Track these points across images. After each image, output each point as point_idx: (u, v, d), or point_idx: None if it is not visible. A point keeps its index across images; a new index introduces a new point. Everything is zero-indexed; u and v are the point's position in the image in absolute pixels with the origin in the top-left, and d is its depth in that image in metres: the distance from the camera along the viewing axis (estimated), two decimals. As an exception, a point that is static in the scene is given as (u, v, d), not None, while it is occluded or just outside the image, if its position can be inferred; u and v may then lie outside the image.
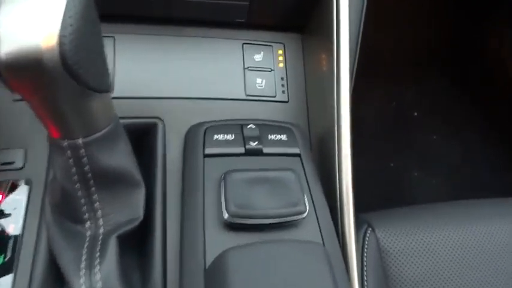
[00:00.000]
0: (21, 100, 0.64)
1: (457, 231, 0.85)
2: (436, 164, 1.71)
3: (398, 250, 0.84)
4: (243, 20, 0.72)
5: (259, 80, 0.72)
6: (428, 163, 1.71)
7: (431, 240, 0.84)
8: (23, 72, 0.37)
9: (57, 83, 0.39)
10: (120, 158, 0.54)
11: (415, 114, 1.82)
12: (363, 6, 0.67)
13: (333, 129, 0.66)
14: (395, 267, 0.84)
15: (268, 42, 0.75)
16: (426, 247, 0.84)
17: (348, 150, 0.65)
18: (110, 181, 0.54)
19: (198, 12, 0.69)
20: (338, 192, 0.64)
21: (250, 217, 0.53)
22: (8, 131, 0.63)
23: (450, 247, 0.83)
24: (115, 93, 0.65)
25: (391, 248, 0.83)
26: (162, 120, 0.66)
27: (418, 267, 0.83)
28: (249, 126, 0.65)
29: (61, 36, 0.36)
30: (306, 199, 0.56)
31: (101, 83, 0.46)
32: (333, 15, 0.65)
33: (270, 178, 0.57)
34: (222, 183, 0.56)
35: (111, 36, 0.69)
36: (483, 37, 1.82)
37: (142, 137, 0.66)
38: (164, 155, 0.64)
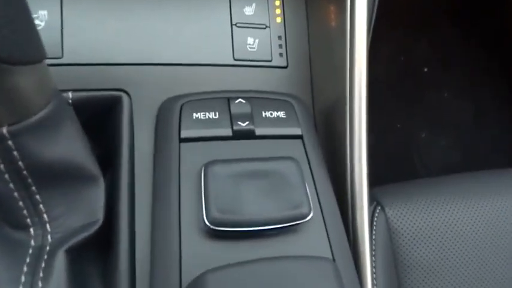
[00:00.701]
0: None
1: (476, 207, 0.75)
2: (446, 124, 1.60)
3: (410, 230, 0.74)
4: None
5: (250, 40, 0.58)
6: (438, 123, 1.59)
7: (447, 219, 0.73)
8: None
9: None
10: (67, 147, 0.42)
11: (425, 70, 1.67)
12: None
13: (344, 101, 0.52)
14: (406, 249, 0.74)
15: (262, -10, 0.59)
16: (442, 227, 0.73)
17: (362, 126, 0.52)
18: (56, 177, 0.42)
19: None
20: (349, 181, 0.52)
21: (237, 225, 0.41)
22: None
23: (469, 226, 0.73)
24: (64, 59, 0.51)
25: (402, 229, 0.73)
26: (128, 94, 0.52)
27: (431, 249, 0.73)
28: (237, 101, 0.51)
29: None
30: (310, 198, 0.43)
31: (25, 52, 0.33)
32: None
33: (263, 171, 0.44)
34: (202, 178, 0.44)
35: (58, -16, 0.53)
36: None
37: (102, 116, 0.53)
38: (131, 138, 0.51)
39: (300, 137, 0.51)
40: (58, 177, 0.42)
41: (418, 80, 1.65)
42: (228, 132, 0.49)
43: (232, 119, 0.49)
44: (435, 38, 1.63)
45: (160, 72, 0.54)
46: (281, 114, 0.51)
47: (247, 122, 0.49)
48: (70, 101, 0.50)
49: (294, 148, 0.50)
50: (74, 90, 0.51)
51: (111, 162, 0.50)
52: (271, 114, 0.51)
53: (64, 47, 0.52)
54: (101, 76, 0.52)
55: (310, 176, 0.48)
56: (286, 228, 0.43)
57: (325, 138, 0.57)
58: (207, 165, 0.44)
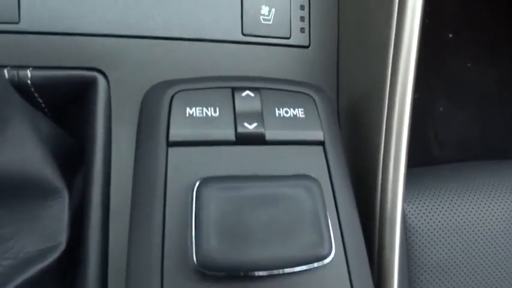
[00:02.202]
0: None
1: (509, 203, 0.66)
2: (465, 96, 1.48)
3: (428, 229, 0.65)
4: None
5: (265, 9, 0.45)
6: (457, 95, 1.47)
7: (473, 217, 0.64)
8: None
9: None
10: (14, 154, 0.32)
11: (450, 35, 1.52)
12: None
13: (382, 92, 0.41)
14: (422, 249, 0.65)
15: None
16: (466, 225, 0.64)
17: (404, 127, 0.41)
18: (1, 191, 0.32)
19: None
20: (378, 200, 0.42)
21: (236, 268, 0.31)
22: None
23: (499, 225, 0.64)
24: (22, 25, 0.39)
25: (419, 227, 0.64)
26: (104, 74, 0.41)
27: (450, 250, 0.65)
28: (244, 94, 0.39)
29: None
30: (332, 234, 0.33)
31: None
32: None
33: (274, 195, 0.34)
34: (194, 201, 0.33)
35: None
36: None
37: (72, 99, 0.42)
38: (107, 133, 0.40)
39: (321, 143, 0.40)
40: (4, 192, 0.32)
41: (442, 47, 1.50)
42: (230, 135, 0.38)
43: (237, 118, 0.38)
44: (461, 3, 1.47)
45: (146, 47, 0.42)
46: (299, 112, 0.40)
47: (255, 124, 0.38)
48: (29, 81, 0.39)
49: (313, 158, 0.39)
50: (34, 68, 0.39)
51: (80, 167, 0.39)
52: (286, 112, 0.40)
53: (21, 9, 0.40)
54: (70, 50, 0.40)
55: (332, 198, 0.38)
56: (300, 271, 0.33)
57: (351, 140, 0.46)
58: (201, 185, 0.34)
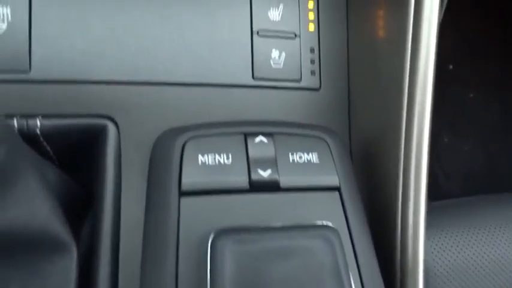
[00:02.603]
0: None
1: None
2: (470, 127, 1.48)
3: (444, 268, 0.62)
4: None
5: (275, 53, 0.45)
6: (462, 126, 1.47)
7: (491, 255, 0.62)
8: None
9: None
10: (23, 208, 0.31)
11: (451, 67, 1.53)
12: None
13: (397, 134, 0.40)
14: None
15: (291, -13, 0.46)
16: (482, 265, 0.62)
17: (423, 169, 0.40)
18: (7, 246, 0.30)
19: None
20: (399, 250, 0.40)
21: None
22: None
23: None
24: (32, 74, 0.39)
25: (434, 266, 0.62)
26: (115, 122, 0.40)
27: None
28: (257, 140, 0.39)
29: None
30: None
31: None
32: None
33: (291, 247, 0.32)
34: (209, 254, 0.32)
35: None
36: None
37: (82, 148, 0.41)
38: (117, 182, 0.39)
39: (337, 188, 0.39)
40: (10, 246, 0.31)
41: (443, 78, 1.51)
42: (244, 183, 0.37)
43: (250, 165, 0.37)
44: (463, 32, 1.49)
45: (157, 93, 0.42)
46: (313, 157, 0.39)
47: (269, 171, 0.37)
48: (38, 130, 0.38)
49: (329, 204, 0.38)
50: (43, 116, 0.39)
51: (90, 219, 0.38)
52: (300, 157, 0.39)
53: (32, 58, 0.39)
54: (80, 97, 0.40)
55: (351, 246, 0.36)
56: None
57: (365, 182, 0.45)
58: (216, 238, 0.32)
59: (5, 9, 0.39)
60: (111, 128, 0.40)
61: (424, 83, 0.38)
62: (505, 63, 1.45)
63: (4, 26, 0.39)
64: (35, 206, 0.31)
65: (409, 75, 0.39)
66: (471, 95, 1.52)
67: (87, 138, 0.41)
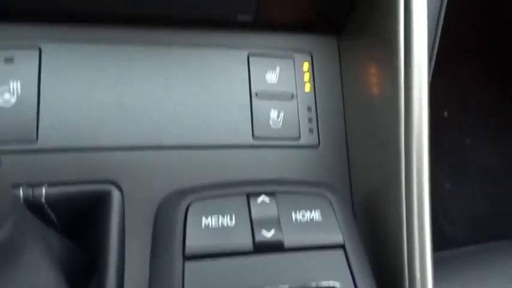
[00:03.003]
0: None
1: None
2: (470, 172, 1.48)
3: None
4: (249, 18, 0.46)
5: (274, 114, 0.47)
6: (462, 172, 1.47)
7: None
8: None
9: None
10: (29, 279, 0.31)
11: (446, 114, 1.56)
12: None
13: (397, 184, 0.40)
14: None
15: (287, 51, 0.49)
16: None
17: (426, 218, 0.40)
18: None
19: (174, 5, 0.43)
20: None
21: None
22: None
23: None
24: (39, 144, 0.40)
25: None
26: (119, 187, 0.41)
27: None
28: (260, 200, 0.39)
29: None
30: None
31: None
32: (397, 4, 0.39)
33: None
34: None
35: (35, 47, 0.42)
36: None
37: (86, 213, 0.41)
38: (121, 246, 0.39)
39: (341, 246, 0.39)
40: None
41: (439, 125, 1.54)
42: (248, 244, 0.37)
43: (254, 226, 0.37)
44: (455, 80, 1.54)
45: (160, 157, 0.43)
46: (316, 215, 0.39)
47: (272, 231, 0.37)
48: (43, 199, 0.39)
49: (335, 263, 0.38)
50: (49, 184, 0.39)
51: (95, 274, 0.38)
52: (303, 216, 0.39)
53: (39, 129, 0.41)
54: (85, 164, 0.41)
55: (359, 306, 0.36)
56: None
57: (369, 237, 0.44)
58: (221, 304, 0.32)
59: (15, 83, 0.41)
60: (115, 193, 0.41)
61: (419, 136, 0.40)
62: (499, 107, 1.47)
63: (13, 99, 0.41)
64: (41, 277, 0.31)
65: (405, 130, 0.40)
66: (468, 141, 1.54)
67: (92, 204, 0.41)
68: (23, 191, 0.38)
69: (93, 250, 0.40)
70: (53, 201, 0.39)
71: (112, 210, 0.40)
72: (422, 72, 0.39)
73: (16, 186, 0.38)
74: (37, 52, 0.42)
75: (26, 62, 0.42)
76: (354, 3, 0.46)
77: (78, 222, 0.42)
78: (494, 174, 1.47)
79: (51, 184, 0.39)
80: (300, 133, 0.47)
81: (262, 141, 0.46)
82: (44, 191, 0.39)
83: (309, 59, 0.49)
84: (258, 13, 0.45)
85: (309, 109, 0.48)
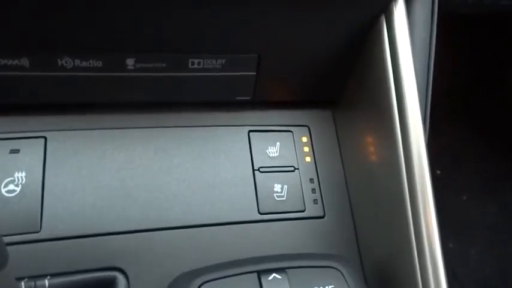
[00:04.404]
0: None
1: None
2: (472, 229, 1.46)
3: None
4: (247, 98, 0.48)
5: (277, 187, 0.47)
6: (463, 229, 1.45)
7: None
8: None
9: None
10: None
11: (438, 172, 1.58)
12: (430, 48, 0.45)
13: (409, 252, 0.40)
14: None
15: (285, 126, 0.50)
16: None
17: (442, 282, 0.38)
18: None
19: (176, 91, 0.45)
20: None
21: None
22: None
23: None
24: (42, 233, 0.39)
25: None
26: (124, 273, 0.40)
27: None
28: (271, 277, 0.38)
29: None
30: None
31: None
32: (387, 80, 0.42)
33: None
34: None
35: (41, 137, 0.43)
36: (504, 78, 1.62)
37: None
38: None
39: (358, 322, 0.37)
40: None
41: (433, 183, 1.55)
42: (264, 326, 0.35)
43: (268, 307, 0.36)
44: (445, 140, 1.58)
45: (166, 238, 0.42)
46: (330, 290, 0.38)
47: (288, 311, 0.36)
48: (46, 291, 0.37)
49: None
50: (52, 275, 0.38)
51: None
52: (317, 292, 0.38)
53: (43, 218, 0.40)
54: (89, 251, 0.40)
55: None
56: None
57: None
58: None
59: (20, 173, 0.41)
60: (120, 280, 0.39)
61: (424, 201, 0.40)
62: (494, 164, 1.49)
63: (18, 189, 0.41)
64: None
65: (410, 196, 0.40)
66: (464, 198, 1.54)
67: (97, 293, 0.39)
68: (25, 285, 0.37)
69: None
70: (57, 293, 0.38)
71: (118, 299, 0.38)
72: (419, 134, 0.41)
73: (19, 279, 0.37)
74: (42, 141, 0.43)
75: (31, 152, 0.42)
76: (344, 82, 0.49)
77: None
78: (496, 230, 1.45)
79: (54, 275, 0.38)
80: (304, 205, 0.47)
81: (268, 216, 0.46)
82: (47, 283, 0.37)
83: (307, 131, 0.51)
84: (256, 93, 0.48)
85: (311, 180, 0.48)
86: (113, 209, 0.42)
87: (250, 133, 0.49)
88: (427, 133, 0.47)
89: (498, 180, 1.51)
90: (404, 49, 0.41)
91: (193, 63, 0.43)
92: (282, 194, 0.47)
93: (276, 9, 0.39)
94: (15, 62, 0.39)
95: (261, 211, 0.46)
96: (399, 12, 0.42)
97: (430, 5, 0.45)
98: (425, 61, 0.45)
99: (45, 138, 0.43)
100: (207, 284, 0.38)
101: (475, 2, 0.56)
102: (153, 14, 0.37)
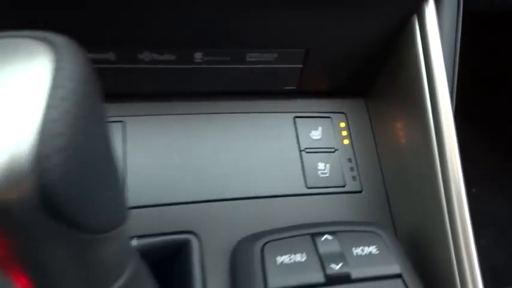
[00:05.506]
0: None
1: None
2: (482, 223, 1.50)
3: None
4: (293, 87, 0.55)
5: (321, 165, 0.54)
6: (473, 221, 1.50)
7: None
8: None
9: (40, 235, 0.21)
10: None
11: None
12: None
13: (441, 221, 0.46)
14: None
15: (325, 112, 0.57)
16: None
17: (471, 248, 0.45)
18: None
19: (235, 81, 0.52)
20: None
21: None
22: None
23: None
24: (129, 202, 0.46)
25: None
26: (197, 235, 0.47)
27: None
28: (323, 238, 0.45)
29: (41, 157, 0.18)
30: None
31: (109, 217, 0.27)
32: (420, 74, 0.48)
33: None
34: None
35: (119, 121, 0.50)
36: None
37: (169, 260, 0.46)
38: (204, 286, 0.44)
39: (399, 275, 0.44)
40: None
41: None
42: (320, 277, 0.42)
43: (323, 261, 0.43)
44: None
45: (229, 208, 0.49)
46: (373, 249, 0.45)
47: (340, 264, 0.42)
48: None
49: (395, 289, 0.43)
50: (139, 237, 0.45)
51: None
52: (362, 250, 0.45)
53: (127, 189, 0.47)
54: (167, 218, 0.47)
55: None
56: None
57: (419, 270, 0.49)
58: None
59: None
60: (194, 241, 0.46)
61: (456, 180, 0.46)
62: (503, 157, 1.53)
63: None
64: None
65: (442, 174, 0.47)
66: (474, 190, 1.59)
67: (173, 252, 0.46)
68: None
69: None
70: (143, 252, 0.44)
71: (193, 255, 0.45)
72: (450, 122, 0.47)
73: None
74: (120, 125, 0.50)
75: (112, 135, 0.49)
76: (377, 74, 0.56)
77: (163, 268, 0.46)
78: (507, 224, 1.49)
79: (140, 236, 0.45)
80: (344, 181, 0.54)
81: (314, 190, 0.52)
82: (136, 242, 0.44)
83: (344, 118, 0.58)
84: (301, 83, 0.55)
85: (350, 160, 0.55)
86: (184, 183, 0.49)
87: (296, 119, 0.56)
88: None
89: (506, 172, 1.55)
90: (436, 47, 0.48)
91: (250, 57, 0.49)
92: (325, 171, 0.53)
93: (326, 10, 0.46)
94: (103, 55, 0.46)
95: (308, 186, 0.52)
96: (430, 12, 0.48)
97: (456, 5, 0.51)
98: (451, 57, 0.51)
99: (124, 123, 0.50)
100: (270, 243, 0.45)
101: (501, 2, 0.63)
102: (221, 15, 0.44)
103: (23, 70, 0.21)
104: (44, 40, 0.22)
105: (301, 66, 0.52)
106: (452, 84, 0.51)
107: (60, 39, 0.22)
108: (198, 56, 0.48)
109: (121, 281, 0.31)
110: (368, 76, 0.57)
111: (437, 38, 0.48)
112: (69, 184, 0.20)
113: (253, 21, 0.45)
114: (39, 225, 0.20)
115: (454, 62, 0.52)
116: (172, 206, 0.48)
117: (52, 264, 0.24)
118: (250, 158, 0.52)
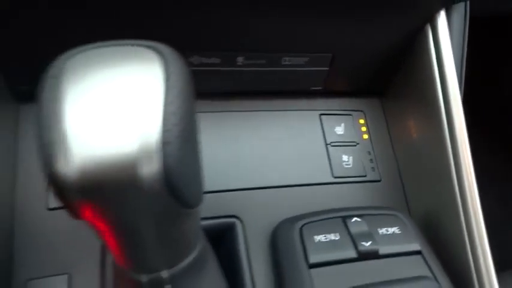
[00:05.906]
0: (58, 209, 0.49)
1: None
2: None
3: None
4: (319, 88, 0.61)
5: (345, 157, 0.60)
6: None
7: None
8: (104, 195, 0.24)
9: (151, 206, 0.27)
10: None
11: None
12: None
13: (455, 207, 0.52)
14: None
15: (346, 110, 0.64)
16: None
17: (482, 231, 0.51)
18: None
19: (270, 82, 0.58)
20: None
21: None
22: (44, 250, 0.48)
23: None
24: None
25: None
26: (241, 219, 0.52)
27: None
28: (353, 220, 0.51)
29: (165, 143, 0.23)
30: None
31: (199, 196, 0.33)
32: (434, 77, 0.55)
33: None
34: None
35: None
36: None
37: (217, 242, 0.52)
38: (250, 267, 0.49)
39: (419, 252, 0.50)
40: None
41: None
42: (353, 253, 0.48)
43: (355, 240, 0.49)
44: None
45: (267, 195, 0.55)
46: (396, 230, 0.51)
47: (370, 242, 0.49)
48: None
49: (418, 265, 0.49)
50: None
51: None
52: (387, 230, 0.51)
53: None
54: (214, 203, 0.53)
55: (444, 295, 0.47)
56: None
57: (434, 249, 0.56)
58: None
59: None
60: (238, 224, 0.52)
61: (467, 171, 0.53)
62: (493, 155, 1.58)
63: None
64: (217, 282, 0.42)
65: (455, 168, 0.53)
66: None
67: (218, 235, 0.52)
68: None
69: (226, 270, 0.50)
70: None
71: (238, 237, 0.51)
72: (461, 120, 0.54)
73: None
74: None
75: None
76: (392, 77, 0.63)
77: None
78: (497, 225, 1.53)
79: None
80: (365, 171, 0.60)
81: (339, 179, 0.59)
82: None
83: (363, 115, 0.64)
84: (325, 85, 0.61)
85: (369, 153, 0.62)
86: (228, 173, 0.55)
87: (322, 116, 0.62)
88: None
89: (497, 171, 1.61)
90: (447, 52, 0.54)
91: (285, 60, 0.55)
92: (349, 163, 0.60)
93: (351, 21, 0.52)
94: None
95: (334, 175, 0.59)
96: (442, 21, 0.55)
97: (463, 13, 0.58)
98: (459, 61, 0.58)
99: None
100: (306, 225, 0.51)
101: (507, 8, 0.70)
102: (262, 23, 0.50)
103: (142, 72, 0.25)
104: (153, 49, 0.28)
105: (327, 69, 0.58)
106: (460, 85, 0.58)
107: (166, 48, 0.28)
108: (240, 59, 0.54)
109: (195, 253, 0.37)
110: (384, 78, 0.63)
111: (449, 44, 0.55)
112: (183, 165, 0.25)
113: (288, 29, 0.51)
114: (158, 197, 0.25)
115: (462, 65, 0.58)
116: (219, 193, 0.53)
117: (150, 232, 0.30)
118: (284, 151, 0.58)
